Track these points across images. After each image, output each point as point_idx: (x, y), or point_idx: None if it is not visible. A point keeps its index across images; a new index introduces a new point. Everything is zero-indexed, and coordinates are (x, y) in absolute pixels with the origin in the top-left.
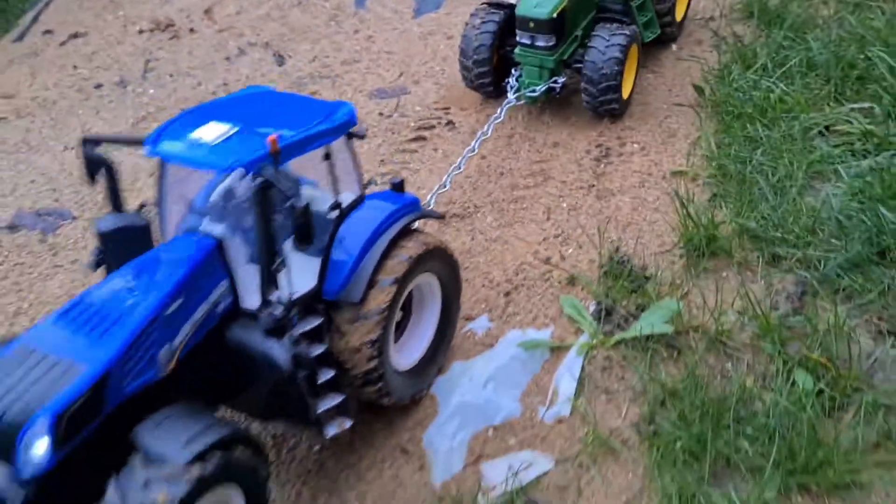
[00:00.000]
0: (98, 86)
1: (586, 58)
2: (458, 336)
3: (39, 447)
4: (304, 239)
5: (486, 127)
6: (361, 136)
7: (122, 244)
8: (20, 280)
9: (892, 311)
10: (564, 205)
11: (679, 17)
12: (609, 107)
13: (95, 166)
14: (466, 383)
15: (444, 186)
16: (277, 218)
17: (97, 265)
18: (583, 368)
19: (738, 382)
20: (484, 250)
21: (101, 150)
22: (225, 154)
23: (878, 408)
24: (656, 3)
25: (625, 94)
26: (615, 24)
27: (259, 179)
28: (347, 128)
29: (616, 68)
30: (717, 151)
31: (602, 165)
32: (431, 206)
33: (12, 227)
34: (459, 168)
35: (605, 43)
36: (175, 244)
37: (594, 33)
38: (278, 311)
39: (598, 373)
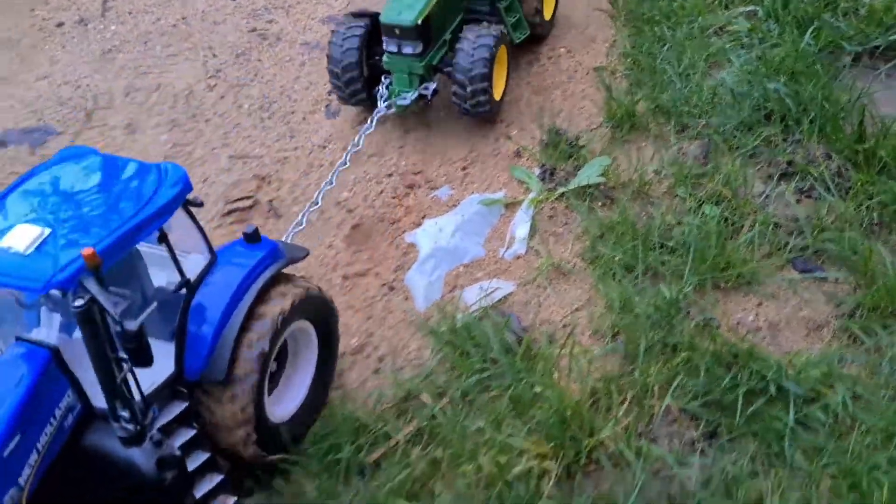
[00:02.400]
0: (59, 24)
1: (455, 60)
2: (425, 199)
3: None
4: (143, 362)
5: (356, 138)
6: (199, 205)
7: None
8: None
9: (776, 158)
10: (507, 99)
11: (548, 15)
12: (481, 109)
13: None
14: (437, 234)
15: (317, 203)
16: (131, 290)
17: None
18: (533, 218)
19: (660, 218)
20: (441, 136)
21: None
22: (38, 270)
23: (769, 225)
24: (522, 3)
25: (496, 95)
26: (482, 25)
27: (81, 300)
28: (181, 200)
29: (485, 70)
30: (632, 50)
31: (535, 67)
32: (304, 222)
33: (1, 144)
34: (332, 183)
35: (473, 45)
36: (3, 364)
37: (461, 35)
38: (129, 424)
39: (546, 220)
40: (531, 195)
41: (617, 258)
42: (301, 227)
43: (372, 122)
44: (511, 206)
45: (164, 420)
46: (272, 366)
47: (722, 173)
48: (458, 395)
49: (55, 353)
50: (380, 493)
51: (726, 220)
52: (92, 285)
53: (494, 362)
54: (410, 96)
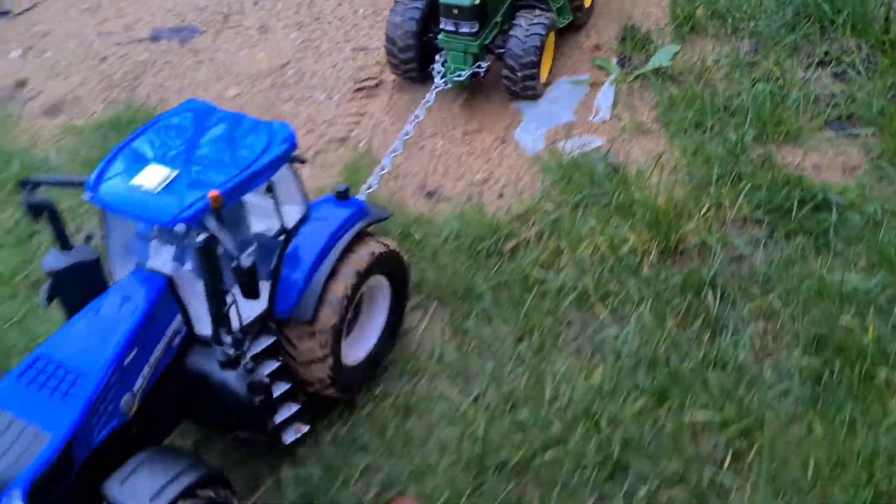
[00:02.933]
0: None
1: (507, 44)
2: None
3: None
4: (250, 295)
5: (417, 110)
6: (303, 162)
7: (73, 280)
8: (173, 72)
9: (814, 51)
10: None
11: (587, 3)
12: (529, 91)
13: (37, 210)
14: (536, 106)
15: (384, 168)
16: (233, 233)
17: (49, 300)
18: (615, 94)
19: (720, 92)
20: None
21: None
22: (167, 206)
23: (810, 98)
24: None
25: (542, 78)
26: (535, 12)
27: (203, 236)
28: (288, 156)
29: (535, 57)
30: None
31: None
32: (375, 185)
33: (154, 39)
34: (398, 150)
35: (525, 32)
36: (125, 287)
37: (514, 21)
38: (230, 349)
39: (625, 96)
40: (611, 77)
41: (688, 117)
42: (373, 188)
43: (431, 95)
44: (594, 85)
45: (254, 351)
46: (346, 318)
47: (771, 59)
48: (570, 206)
49: (170, 281)
50: (519, 267)
51: (773, 93)
52: (213, 224)
53: (597, 185)
54: (465, 73)
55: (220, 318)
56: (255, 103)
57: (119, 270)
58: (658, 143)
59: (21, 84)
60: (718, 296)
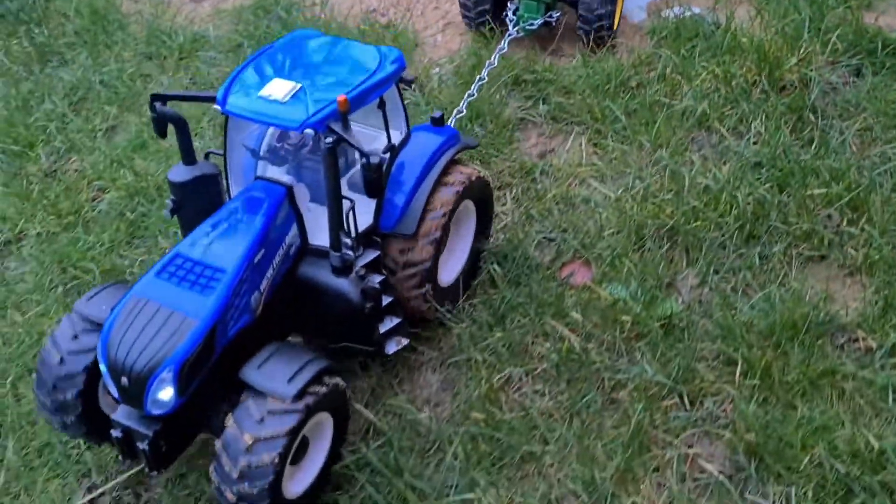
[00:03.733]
0: None
1: None
2: None
3: (166, 394)
4: (375, 193)
5: (492, 57)
6: (410, 82)
7: (196, 193)
8: None
9: None
10: None
11: None
12: (604, 35)
13: (166, 123)
14: None
15: (461, 112)
16: (341, 167)
17: (173, 212)
18: None
19: None
20: None
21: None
22: (297, 112)
23: None
24: None
25: (615, 25)
26: None
27: (331, 138)
28: (399, 75)
29: (610, 7)
30: None
31: None
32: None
33: None
34: (474, 94)
35: None
36: (250, 194)
37: None
38: (348, 254)
39: None
40: None
41: None
42: (461, 113)
43: (504, 43)
44: None
45: (362, 263)
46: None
47: None
48: (683, 53)
49: (289, 190)
50: (645, 97)
51: None
52: (339, 128)
53: (705, 38)
54: (538, 22)
55: (339, 221)
56: None
57: (237, 186)
58: (753, 8)
59: None
60: (819, 115)
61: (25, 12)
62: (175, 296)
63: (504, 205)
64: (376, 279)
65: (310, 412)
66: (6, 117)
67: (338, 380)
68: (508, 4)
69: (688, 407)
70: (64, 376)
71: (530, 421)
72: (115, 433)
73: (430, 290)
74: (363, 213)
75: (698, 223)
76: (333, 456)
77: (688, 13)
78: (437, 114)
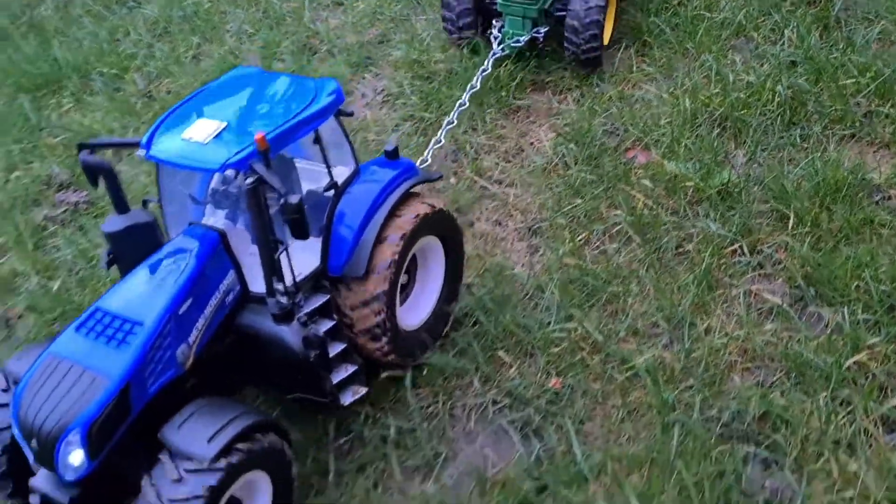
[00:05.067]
0: None
1: (570, 7)
2: None
3: (76, 457)
4: (300, 234)
5: (474, 80)
6: (349, 115)
7: (130, 242)
8: None
9: None
10: None
11: None
12: (591, 55)
13: (94, 172)
14: None
15: (440, 142)
16: (273, 208)
17: (109, 264)
18: None
19: None
20: None
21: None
22: (216, 154)
23: None
24: None
25: (605, 41)
26: None
27: (251, 178)
28: (334, 108)
29: (598, 18)
30: None
31: None
32: (429, 158)
33: None
34: (453, 122)
35: None
36: (179, 242)
37: None
38: (284, 299)
39: None
40: None
41: None
42: (427, 162)
43: (488, 63)
44: None
45: (308, 309)
46: (403, 278)
47: None
48: None
49: (222, 236)
50: (685, 12)
51: None
52: (260, 167)
53: None
54: (524, 39)
55: (271, 266)
56: None
57: (174, 232)
58: None
59: None
60: (843, 23)
61: None
62: (90, 353)
63: (567, 105)
64: (322, 326)
65: (235, 471)
66: (97, 48)
67: (272, 437)
68: (493, 21)
69: (748, 254)
70: None
71: (613, 269)
72: (33, 500)
73: (388, 331)
74: (309, 255)
75: (744, 111)
76: None
77: None
78: (390, 146)
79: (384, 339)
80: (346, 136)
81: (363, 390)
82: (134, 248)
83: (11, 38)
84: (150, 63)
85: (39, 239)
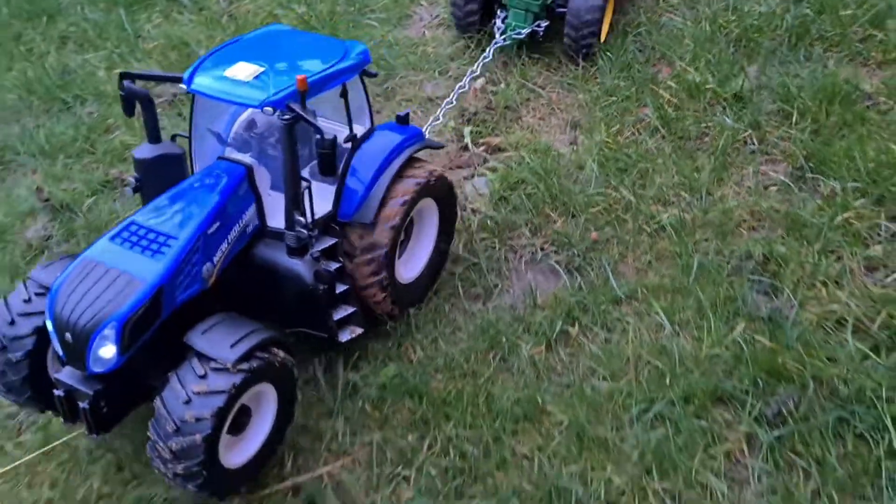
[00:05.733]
0: None
1: (569, 3)
2: None
3: (108, 351)
4: (328, 170)
5: (475, 66)
6: (373, 75)
7: (159, 171)
8: None
9: None
10: None
11: None
12: (589, 49)
13: (133, 99)
14: None
15: (438, 119)
16: (300, 149)
17: (136, 189)
18: None
19: None
20: None
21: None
22: (258, 91)
23: None
24: None
25: (602, 38)
26: None
27: (289, 115)
28: (362, 66)
29: (597, 14)
30: None
31: None
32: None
33: None
34: (452, 102)
35: None
36: (210, 171)
37: None
38: (303, 233)
39: None
40: None
41: None
42: (438, 121)
43: (489, 52)
44: None
45: (319, 247)
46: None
47: None
48: None
49: (249, 170)
50: None
51: None
52: (298, 107)
53: None
54: (525, 31)
55: (295, 200)
56: None
57: (200, 166)
58: None
59: None
60: None
61: None
62: (125, 259)
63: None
64: (332, 265)
65: (251, 377)
66: None
67: (284, 354)
68: (497, 12)
69: (756, 143)
70: (13, 337)
71: (642, 151)
72: (58, 392)
73: (388, 279)
74: (323, 200)
75: (756, 34)
76: (277, 433)
77: None
78: (402, 113)
79: (383, 286)
80: (367, 96)
81: (360, 330)
82: (161, 177)
83: None
84: None
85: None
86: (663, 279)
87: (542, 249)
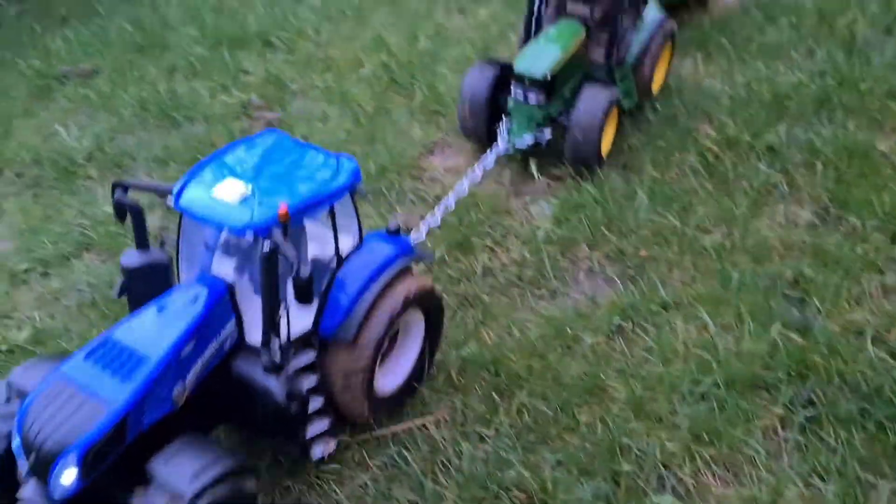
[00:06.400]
0: None
1: (572, 116)
2: None
3: (68, 476)
4: (304, 300)
5: (476, 169)
6: (363, 195)
7: (145, 279)
8: None
9: None
10: None
11: (656, 88)
12: (589, 161)
13: (125, 210)
14: None
15: (437, 223)
16: (281, 268)
17: (121, 294)
18: None
19: None
20: None
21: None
22: (241, 215)
23: None
24: (636, 73)
25: (604, 152)
26: (599, 85)
27: (268, 244)
28: (352, 186)
29: (598, 125)
30: None
31: None
32: (423, 235)
33: None
34: (451, 207)
35: (590, 102)
36: (190, 287)
37: (581, 94)
38: (277, 355)
39: None
40: None
41: None
42: (436, 227)
43: (492, 160)
44: None
45: (296, 365)
46: (384, 344)
47: None
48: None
49: (230, 288)
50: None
51: None
52: (279, 236)
53: None
54: (528, 140)
55: (272, 323)
56: None
57: (186, 275)
58: None
59: None
60: (862, 50)
61: None
62: (96, 381)
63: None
64: (306, 382)
65: None
66: (274, 21)
67: (249, 482)
68: (503, 118)
69: (786, 187)
70: None
71: (686, 186)
72: None
73: (366, 392)
74: (305, 315)
75: (786, 99)
76: None
77: None
78: (392, 224)
79: (361, 401)
80: (356, 210)
81: (333, 445)
82: (146, 284)
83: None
84: (318, 35)
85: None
86: (706, 290)
87: (598, 263)
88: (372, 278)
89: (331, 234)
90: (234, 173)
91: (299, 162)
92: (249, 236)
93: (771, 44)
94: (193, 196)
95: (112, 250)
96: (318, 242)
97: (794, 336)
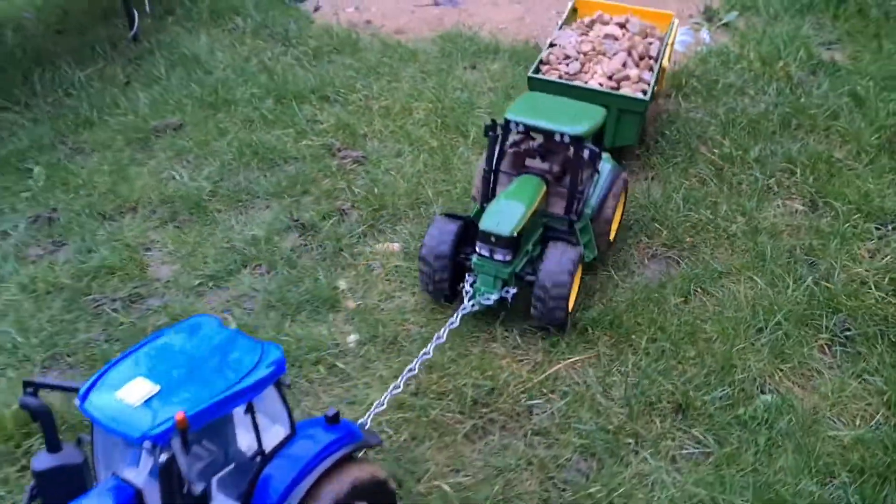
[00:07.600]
0: None
1: (539, 274)
2: None
3: None
4: None
5: (441, 331)
6: (287, 386)
7: (57, 482)
8: None
9: None
10: None
11: (612, 237)
12: (557, 319)
13: (33, 413)
14: None
15: (398, 388)
16: (216, 450)
17: (31, 500)
18: None
19: None
20: None
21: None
22: (140, 422)
23: None
24: (595, 226)
25: (570, 307)
26: (563, 243)
27: (164, 456)
28: (273, 380)
29: (566, 285)
30: None
31: None
32: (385, 403)
33: (435, 4)
34: (414, 370)
35: (557, 262)
36: (98, 494)
37: (547, 251)
38: None
39: None
40: None
41: None
42: (381, 407)
43: (456, 318)
44: None
45: None
46: None
47: None
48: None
49: (138, 494)
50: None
51: None
52: (176, 446)
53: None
54: (493, 297)
55: None
56: None
57: (102, 475)
58: None
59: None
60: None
61: None
62: None
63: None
64: None
65: None
66: (326, 79)
67: None
68: (466, 277)
69: (776, 188)
70: None
71: (705, 192)
72: None
73: None
74: None
75: (756, 124)
76: None
77: None
78: (330, 411)
79: None
80: (285, 401)
81: None
82: (60, 486)
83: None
84: (366, 89)
85: (343, 175)
86: (746, 261)
87: (656, 250)
88: (300, 476)
89: (267, 420)
90: (145, 370)
91: (219, 353)
92: (147, 445)
93: (732, 84)
94: (96, 399)
95: (269, 263)
96: (251, 431)
97: (823, 285)
